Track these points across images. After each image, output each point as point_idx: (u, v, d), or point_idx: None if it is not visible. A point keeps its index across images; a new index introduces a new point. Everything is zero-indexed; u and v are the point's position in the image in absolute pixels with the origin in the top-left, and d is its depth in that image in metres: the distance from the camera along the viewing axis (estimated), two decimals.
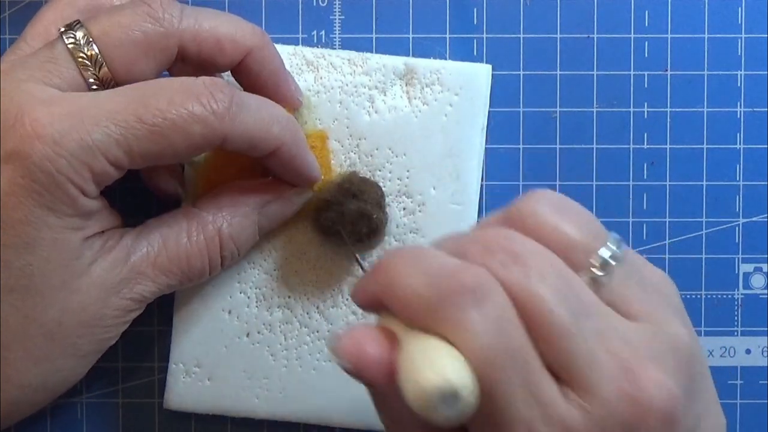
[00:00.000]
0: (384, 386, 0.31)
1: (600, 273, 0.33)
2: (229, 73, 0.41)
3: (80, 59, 0.37)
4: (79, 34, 0.38)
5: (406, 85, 0.45)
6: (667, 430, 0.32)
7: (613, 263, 0.33)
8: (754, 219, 0.46)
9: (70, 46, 0.37)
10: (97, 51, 0.38)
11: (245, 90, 0.41)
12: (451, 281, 0.31)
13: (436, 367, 0.30)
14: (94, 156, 0.36)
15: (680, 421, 0.32)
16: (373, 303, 0.33)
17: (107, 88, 0.38)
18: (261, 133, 0.38)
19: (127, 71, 0.38)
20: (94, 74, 0.38)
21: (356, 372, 0.32)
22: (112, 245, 0.39)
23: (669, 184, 0.46)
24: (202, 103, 0.37)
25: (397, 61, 0.45)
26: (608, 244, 0.33)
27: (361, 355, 0.32)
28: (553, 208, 0.33)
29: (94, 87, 0.38)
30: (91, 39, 0.38)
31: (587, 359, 0.31)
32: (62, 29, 0.38)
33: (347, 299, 0.44)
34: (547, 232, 0.33)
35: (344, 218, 0.42)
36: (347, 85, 0.45)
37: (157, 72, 0.39)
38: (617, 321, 0.33)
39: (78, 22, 0.38)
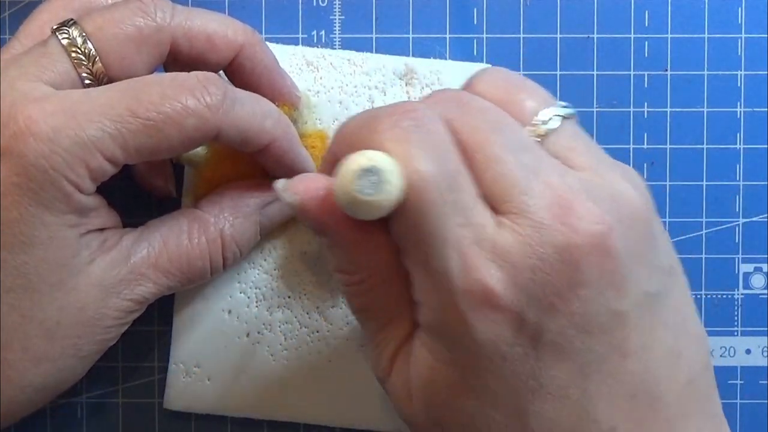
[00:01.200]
0: (325, 215, 0.33)
1: (544, 128, 0.34)
2: (222, 73, 0.42)
3: (74, 54, 0.38)
4: (73, 31, 0.38)
5: (406, 85, 0.45)
6: (601, 260, 0.32)
7: (558, 121, 0.34)
8: (754, 219, 0.46)
9: (63, 42, 0.38)
10: (90, 46, 0.38)
11: (242, 89, 0.41)
12: (389, 109, 0.33)
13: (365, 154, 0.31)
14: (89, 152, 0.36)
15: (616, 255, 0.32)
16: (331, 162, 0.34)
17: (101, 84, 0.38)
18: (254, 126, 0.39)
19: (120, 66, 0.38)
20: (87, 69, 0.38)
21: (301, 206, 0.33)
22: (112, 245, 0.39)
23: (669, 184, 0.46)
24: (195, 96, 0.37)
25: (397, 61, 0.45)
26: (556, 106, 0.34)
27: (307, 189, 0.33)
28: (503, 77, 0.35)
29: (88, 82, 0.38)
30: (84, 34, 0.38)
31: (521, 184, 0.32)
32: (55, 27, 0.38)
33: None
34: (497, 96, 0.34)
35: None
36: (347, 85, 0.45)
37: (150, 68, 0.39)
38: (558, 163, 0.33)
39: (71, 19, 0.38)
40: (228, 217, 0.41)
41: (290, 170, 0.41)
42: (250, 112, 0.38)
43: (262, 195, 0.42)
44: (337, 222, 0.33)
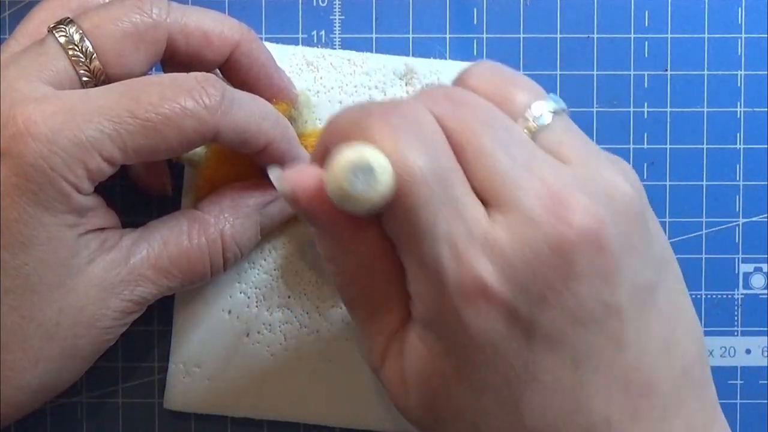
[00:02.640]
0: (316, 206, 0.33)
1: (536, 122, 0.34)
2: (218, 71, 0.42)
3: (71, 53, 0.38)
4: (70, 29, 0.38)
5: (406, 85, 0.45)
6: (594, 253, 0.32)
7: (550, 116, 0.34)
8: (754, 219, 0.46)
9: (61, 40, 0.38)
10: (88, 44, 0.38)
11: (239, 87, 0.41)
12: (383, 105, 0.33)
13: (356, 149, 0.31)
14: (87, 152, 0.36)
15: (609, 248, 0.32)
16: (322, 153, 0.34)
17: (99, 82, 0.38)
18: (252, 128, 0.39)
19: (118, 64, 0.38)
20: (85, 67, 0.38)
21: (293, 195, 0.33)
22: (111, 245, 0.39)
23: (669, 184, 0.46)
24: (194, 97, 0.37)
25: (397, 61, 0.45)
26: (548, 100, 0.34)
27: (300, 179, 0.33)
28: (494, 71, 0.35)
29: (86, 80, 0.38)
30: (81, 32, 0.38)
31: (513, 179, 0.32)
32: (52, 25, 0.38)
33: None
34: (489, 91, 0.34)
35: None
36: (347, 85, 0.45)
37: (148, 66, 0.39)
38: (550, 158, 0.33)
39: (68, 18, 0.38)
40: (228, 218, 0.41)
41: None
42: (249, 113, 0.38)
43: (262, 195, 0.42)
44: (328, 213, 0.33)
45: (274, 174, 0.34)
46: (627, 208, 0.33)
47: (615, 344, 0.33)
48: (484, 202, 0.32)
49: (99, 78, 0.38)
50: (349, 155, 0.31)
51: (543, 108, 0.34)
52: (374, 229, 0.33)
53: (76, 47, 0.38)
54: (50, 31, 0.38)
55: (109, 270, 0.38)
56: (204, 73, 0.38)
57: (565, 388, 0.32)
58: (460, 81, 0.35)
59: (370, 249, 0.34)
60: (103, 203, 0.39)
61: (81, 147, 0.36)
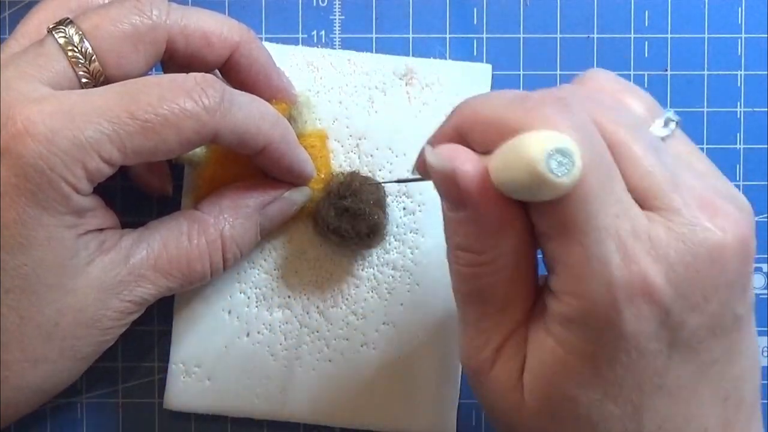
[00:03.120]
0: (474, 188, 0.32)
1: (664, 130, 0.34)
2: (218, 72, 0.42)
3: (71, 54, 0.38)
4: (70, 30, 0.38)
5: (406, 85, 0.45)
6: (743, 262, 0.32)
7: (674, 127, 0.35)
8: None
9: (60, 41, 0.38)
10: (87, 45, 0.38)
11: (239, 88, 0.41)
12: (537, 95, 0.32)
13: (546, 135, 0.30)
14: (87, 153, 0.36)
15: (751, 258, 0.33)
16: (451, 138, 0.34)
17: (98, 83, 0.38)
18: (251, 129, 0.39)
19: (117, 65, 0.38)
20: (84, 68, 0.38)
21: (452, 173, 0.32)
22: (110, 246, 0.39)
23: None
24: (193, 98, 0.37)
25: (397, 61, 0.45)
26: (666, 111, 0.35)
27: (461, 159, 0.32)
28: (613, 78, 0.35)
29: (85, 81, 0.38)
30: (81, 33, 0.38)
31: (670, 181, 0.32)
32: (51, 26, 0.38)
33: (347, 299, 0.44)
34: (613, 96, 0.35)
35: (344, 217, 0.42)
36: (347, 85, 0.45)
37: (147, 67, 0.39)
38: (689, 166, 0.34)
39: (68, 19, 0.38)
40: (228, 218, 0.41)
41: (288, 171, 0.41)
42: (248, 114, 0.38)
43: (262, 196, 0.42)
44: (486, 198, 0.32)
45: (428, 149, 0.33)
46: (753, 220, 0.34)
47: (729, 356, 0.33)
48: (639, 202, 0.32)
49: (98, 79, 0.38)
50: (545, 139, 0.30)
51: (667, 117, 0.34)
52: (522, 220, 0.33)
53: (75, 48, 0.38)
54: (50, 31, 0.38)
55: (108, 271, 0.38)
56: (203, 73, 0.38)
57: (683, 396, 0.33)
58: (581, 83, 0.35)
59: (514, 240, 0.33)
60: (102, 204, 0.39)
61: (80, 148, 0.36)
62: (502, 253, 0.33)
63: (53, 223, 0.36)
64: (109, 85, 0.37)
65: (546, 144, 0.29)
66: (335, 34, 0.46)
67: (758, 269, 0.46)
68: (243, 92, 0.39)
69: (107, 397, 0.46)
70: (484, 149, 0.33)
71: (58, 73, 0.38)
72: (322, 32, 0.46)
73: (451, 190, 0.32)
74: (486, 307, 0.34)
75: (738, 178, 0.46)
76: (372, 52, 0.45)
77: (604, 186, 0.31)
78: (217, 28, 0.40)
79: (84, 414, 0.46)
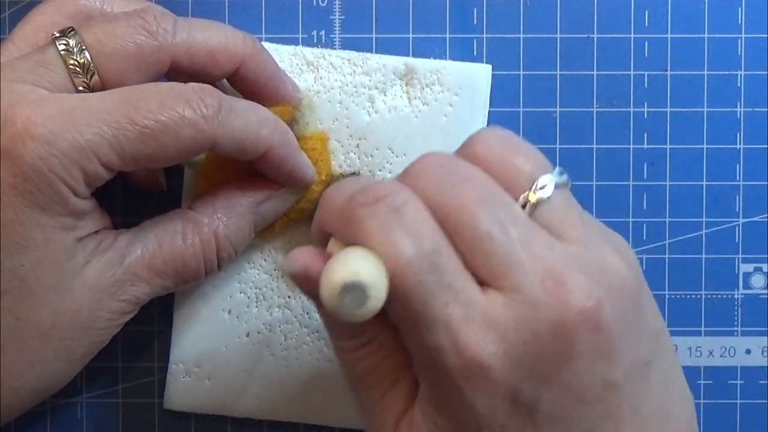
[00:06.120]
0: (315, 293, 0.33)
1: (536, 196, 0.34)
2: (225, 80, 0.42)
3: (72, 66, 0.37)
4: (72, 41, 0.38)
5: (406, 85, 0.45)
6: (594, 333, 0.32)
7: (551, 191, 0.34)
8: (754, 219, 0.46)
9: (62, 52, 0.37)
10: (89, 59, 0.37)
11: (245, 96, 0.41)
12: (364, 194, 0.33)
13: (346, 265, 0.31)
14: (86, 156, 0.36)
15: (607, 328, 0.32)
16: (320, 234, 0.35)
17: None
18: (250, 135, 0.39)
19: (117, 81, 0.38)
20: (84, 82, 0.38)
21: (297, 279, 0.34)
22: (107, 246, 0.39)
23: (669, 184, 0.46)
24: (192, 106, 0.37)
25: (397, 61, 0.45)
26: (551, 173, 0.34)
27: (304, 265, 0.33)
28: (502, 140, 0.35)
29: (81, 89, 0.38)
30: (84, 47, 0.38)
31: (511, 259, 0.32)
32: (56, 35, 0.38)
33: None
34: (493, 161, 0.34)
35: None
36: (347, 85, 0.45)
37: (147, 82, 0.39)
38: (547, 236, 0.33)
39: (72, 28, 0.38)
40: (222, 218, 0.41)
41: (289, 177, 0.41)
42: (246, 121, 0.38)
43: (255, 194, 0.41)
44: None
45: (283, 261, 0.34)
46: (623, 287, 0.33)
47: (614, 419, 0.33)
48: (481, 282, 0.32)
49: (96, 90, 0.38)
50: (340, 273, 0.31)
51: (547, 180, 0.34)
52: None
53: (76, 61, 0.37)
54: (53, 40, 0.38)
55: (104, 271, 0.38)
56: (201, 84, 0.38)
57: None
58: (466, 147, 0.35)
59: (382, 330, 0.34)
60: (98, 206, 0.39)
61: (80, 150, 0.36)
62: (375, 334, 0.34)
63: (51, 224, 0.36)
64: (109, 90, 0.37)
65: (338, 278, 0.31)
66: (335, 34, 0.46)
67: (758, 269, 0.46)
68: (241, 99, 0.39)
69: (107, 397, 0.46)
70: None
71: (57, 83, 0.37)
72: (322, 32, 0.46)
73: (308, 292, 0.34)
74: (377, 389, 0.35)
75: (738, 178, 0.46)
76: (372, 52, 0.45)
77: (426, 278, 0.31)
78: (222, 45, 0.40)
79: (84, 414, 0.46)
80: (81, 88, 0.38)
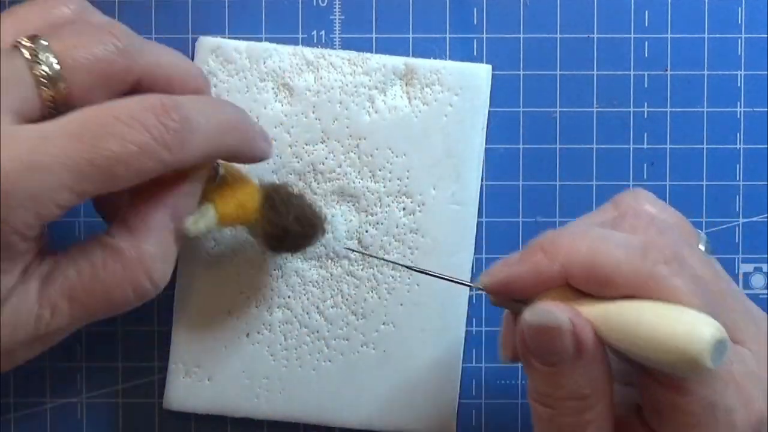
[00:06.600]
0: (578, 353, 0.33)
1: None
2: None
3: (41, 79, 0.36)
4: (43, 54, 0.36)
5: (406, 85, 0.45)
6: None
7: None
8: (754, 219, 0.46)
9: (31, 65, 0.36)
10: (58, 70, 0.36)
11: None
12: (655, 252, 0.33)
13: (702, 322, 0.31)
14: (43, 204, 0.34)
15: None
16: (548, 285, 0.35)
17: (59, 107, 0.36)
18: (213, 151, 0.38)
19: (83, 97, 0.37)
20: (51, 96, 0.36)
21: (580, 337, 0.33)
22: (30, 274, 0.37)
23: (669, 184, 0.46)
24: (153, 136, 0.36)
25: (397, 61, 0.45)
26: (702, 239, 0.37)
27: (583, 326, 0.34)
28: (654, 203, 0.37)
29: (49, 104, 0.36)
30: (53, 60, 0.36)
31: (745, 312, 0.35)
32: (25, 43, 0.36)
33: (347, 299, 0.44)
34: (659, 226, 0.36)
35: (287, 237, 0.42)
36: (347, 85, 0.45)
37: (109, 99, 0.37)
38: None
39: (40, 37, 0.37)
40: (142, 240, 0.38)
41: (246, 159, 0.41)
42: (210, 135, 0.38)
43: (167, 204, 0.39)
44: (598, 352, 0.34)
45: (538, 312, 0.34)
46: None
47: None
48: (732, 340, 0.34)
49: (60, 104, 0.36)
50: (710, 331, 0.31)
51: (702, 239, 0.38)
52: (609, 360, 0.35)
53: (45, 73, 0.36)
54: (20, 49, 0.36)
55: (23, 302, 0.36)
56: (162, 99, 0.37)
57: None
58: (641, 204, 0.37)
59: (610, 380, 0.35)
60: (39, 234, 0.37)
61: (38, 200, 0.34)
62: (599, 392, 0.34)
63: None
64: (66, 125, 0.35)
65: (709, 335, 0.31)
66: (335, 34, 0.46)
67: (758, 269, 0.46)
68: (203, 102, 0.39)
69: (107, 397, 0.46)
70: (591, 294, 0.34)
71: (24, 97, 0.36)
72: (322, 32, 0.46)
73: (553, 347, 0.34)
74: None
75: (738, 178, 0.46)
76: (372, 52, 0.45)
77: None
78: (181, 73, 0.39)
79: (84, 414, 0.46)
80: (46, 98, 0.36)
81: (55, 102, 0.36)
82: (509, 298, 0.36)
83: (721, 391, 0.32)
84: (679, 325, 0.31)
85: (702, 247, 0.37)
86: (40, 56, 0.36)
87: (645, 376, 0.34)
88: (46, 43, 0.36)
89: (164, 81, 0.39)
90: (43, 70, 0.36)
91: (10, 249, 0.35)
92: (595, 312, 0.33)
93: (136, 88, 0.38)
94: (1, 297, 0.36)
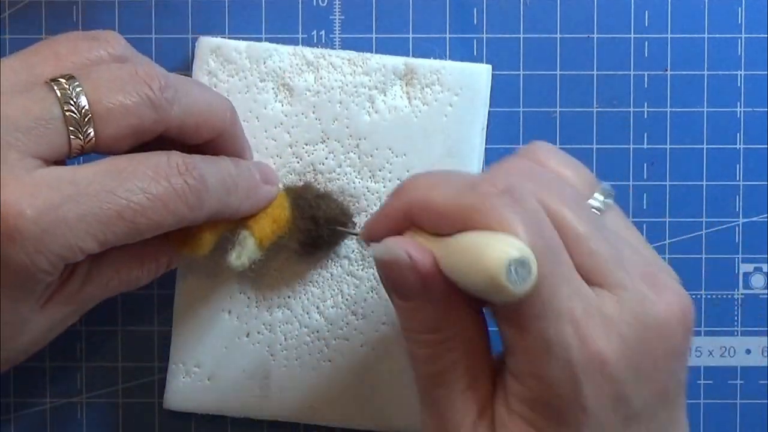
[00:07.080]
0: (428, 284, 0.33)
1: (599, 202, 0.36)
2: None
3: (71, 124, 0.36)
4: (76, 99, 0.36)
5: (406, 85, 0.45)
6: (688, 332, 0.34)
7: (611, 200, 0.36)
8: (754, 219, 0.46)
9: (67, 113, 0.36)
10: (90, 118, 0.36)
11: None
12: (486, 185, 0.33)
13: (509, 244, 0.31)
14: (72, 251, 0.36)
15: (692, 328, 0.34)
16: (396, 225, 0.35)
17: (86, 152, 0.37)
18: (223, 205, 0.39)
19: (110, 146, 0.37)
20: (80, 145, 0.37)
21: (396, 265, 0.33)
22: (60, 287, 0.39)
23: (669, 184, 0.46)
24: (177, 193, 0.37)
25: (397, 61, 0.45)
26: (601, 189, 0.36)
27: (419, 255, 0.33)
28: (555, 154, 0.37)
29: (76, 150, 0.37)
30: (87, 109, 0.36)
31: (614, 258, 0.33)
32: (63, 83, 0.36)
33: (347, 299, 0.44)
34: (557, 170, 0.36)
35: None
36: (347, 85, 0.45)
37: (136, 146, 0.38)
38: (626, 240, 0.35)
39: (76, 82, 0.37)
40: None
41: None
42: (221, 189, 0.39)
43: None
44: (439, 285, 0.33)
45: (381, 247, 0.34)
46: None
47: (675, 424, 0.34)
48: (586, 279, 0.33)
49: (87, 149, 0.37)
50: (506, 249, 0.31)
51: (599, 199, 0.36)
52: (474, 303, 0.34)
53: (77, 121, 0.36)
54: (55, 95, 0.36)
55: (57, 311, 0.39)
56: (185, 159, 0.38)
57: None
58: (523, 157, 0.36)
59: (467, 313, 0.34)
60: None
61: (68, 248, 0.35)
62: (457, 329, 0.34)
63: (19, 307, 0.37)
64: (99, 175, 0.36)
65: (505, 254, 0.31)
66: (335, 34, 0.46)
67: (758, 269, 0.46)
68: (212, 160, 0.39)
69: (107, 397, 0.46)
70: (433, 232, 0.34)
71: (55, 145, 0.36)
72: (322, 32, 0.46)
73: (401, 281, 0.34)
74: (450, 390, 0.34)
75: (738, 178, 0.46)
76: (372, 52, 0.45)
77: (554, 271, 0.32)
78: (208, 117, 0.40)
79: (84, 414, 0.46)
80: (75, 146, 0.36)
81: (83, 149, 0.37)
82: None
83: (555, 328, 0.32)
84: (488, 249, 0.31)
85: (600, 196, 0.36)
86: (72, 99, 0.36)
87: (495, 315, 0.34)
88: (80, 89, 0.36)
89: (192, 129, 0.39)
90: (73, 116, 0.36)
91: (38, 286, 0.37)
92: (436, 248, 0.33)
93: (162, 136, 0.39)
94: (31, 324, 0.38)
